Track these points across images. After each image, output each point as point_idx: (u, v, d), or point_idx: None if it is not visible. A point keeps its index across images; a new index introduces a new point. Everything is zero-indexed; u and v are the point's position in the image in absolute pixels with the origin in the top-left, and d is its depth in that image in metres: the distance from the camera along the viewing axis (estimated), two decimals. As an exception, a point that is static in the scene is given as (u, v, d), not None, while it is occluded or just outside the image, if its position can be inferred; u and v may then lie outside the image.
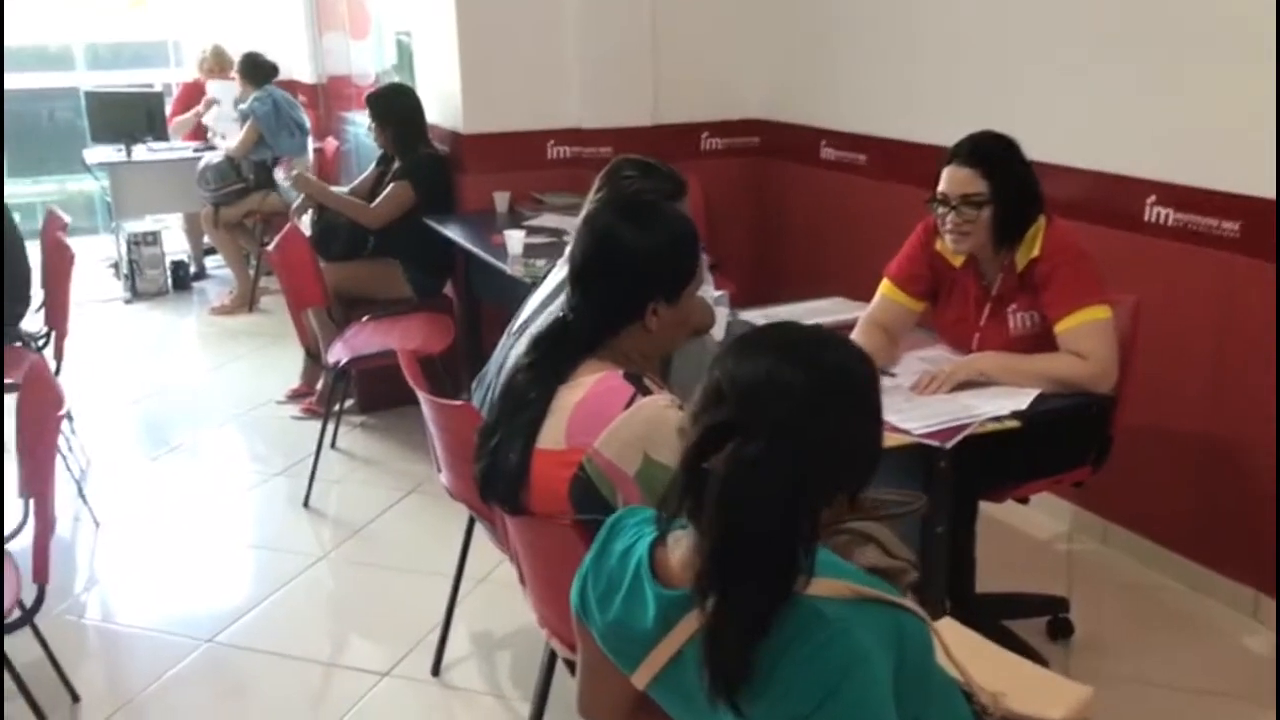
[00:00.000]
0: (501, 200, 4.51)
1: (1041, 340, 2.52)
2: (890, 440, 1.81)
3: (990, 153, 2.51)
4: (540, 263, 3.59)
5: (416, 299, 4.51)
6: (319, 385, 4.72)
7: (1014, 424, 2.27)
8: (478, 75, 4.50)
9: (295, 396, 4.76)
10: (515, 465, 1.84)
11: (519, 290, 3.71)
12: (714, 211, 4.64)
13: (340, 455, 4.20)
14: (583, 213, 2.38)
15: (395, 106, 4.53)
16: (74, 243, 4.12)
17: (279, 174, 6.19)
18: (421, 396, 2.39)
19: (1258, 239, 2.86)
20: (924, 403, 2.36)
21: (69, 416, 2.63)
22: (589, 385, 1.80)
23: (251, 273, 6.30)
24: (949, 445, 2.17)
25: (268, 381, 5.00)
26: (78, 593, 3.31)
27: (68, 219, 4.26)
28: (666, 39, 4.69)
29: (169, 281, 6.58)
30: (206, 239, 6.61)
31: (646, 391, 1.76)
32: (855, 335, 2.67)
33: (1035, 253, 2.51)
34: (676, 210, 2.08)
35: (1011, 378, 2.44)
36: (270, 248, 4.01)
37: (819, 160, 4.54)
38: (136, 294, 6.45)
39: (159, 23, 9.13)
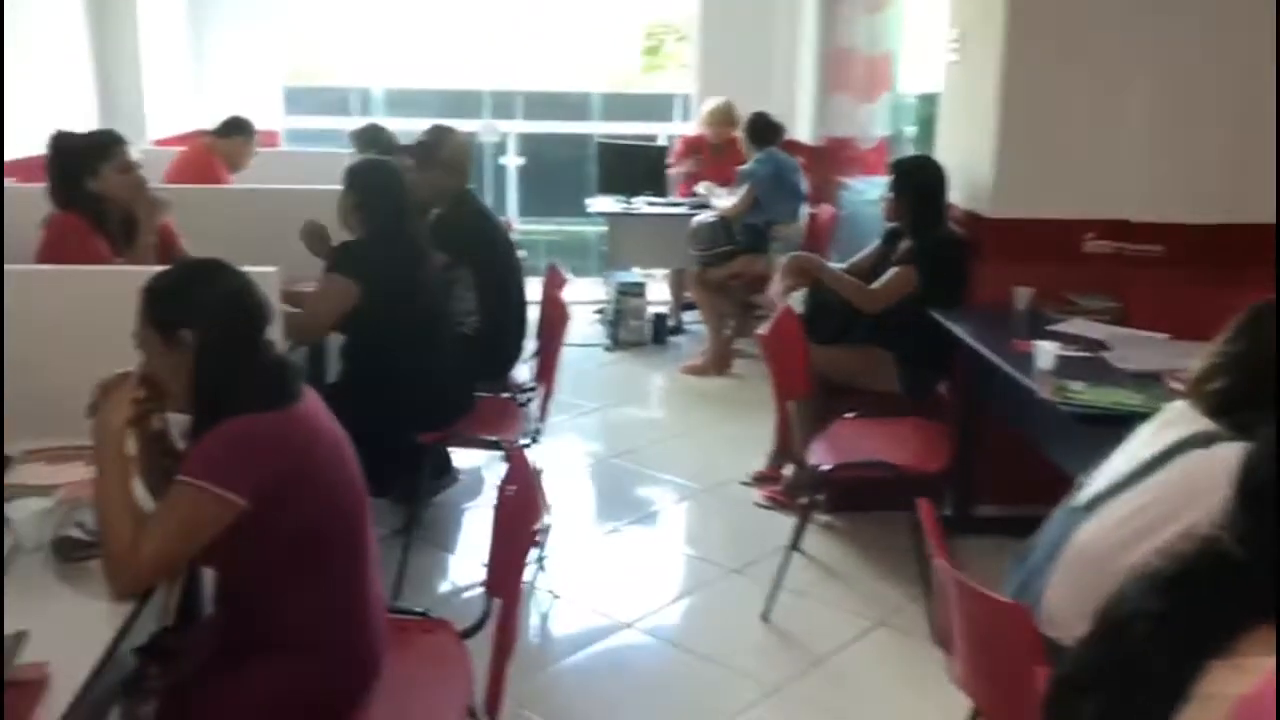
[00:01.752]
0: (1022, 297, 3.91)
1: None
2: None
3: None
4: (1078, 386, 2.97)
5: (906, 396, 4.03)
6: (784, 470, 4.37)
7: None
8: (1017, 151, 3.93)
9: (761, 480, 4.44)
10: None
11: (1048, 416, 3.12)
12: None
13: (804, 562, 3.79)
14: None
15: (919, 179, 4.08)
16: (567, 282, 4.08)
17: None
18: (946, 572, 1.89)
19: None
20: None
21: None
22: (1265, 674, 1.18)
23: (728, 334, 6.13)
24: None
25: (733, 456, 4.73)
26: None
27: (569, 276, 4.21)
28: (1244, 123, 3.87)
29: (649, 333, 6.58)
30: (687, 294, 6.56)
31: None
32: None
33: None
34: None
35: None
36: (762, 331, 3.69)
37: None
38: (618, 343, 6.50)
39: (671, 77, 9.43)
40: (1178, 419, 1.90)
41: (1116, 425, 2.84)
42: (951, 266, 4.03)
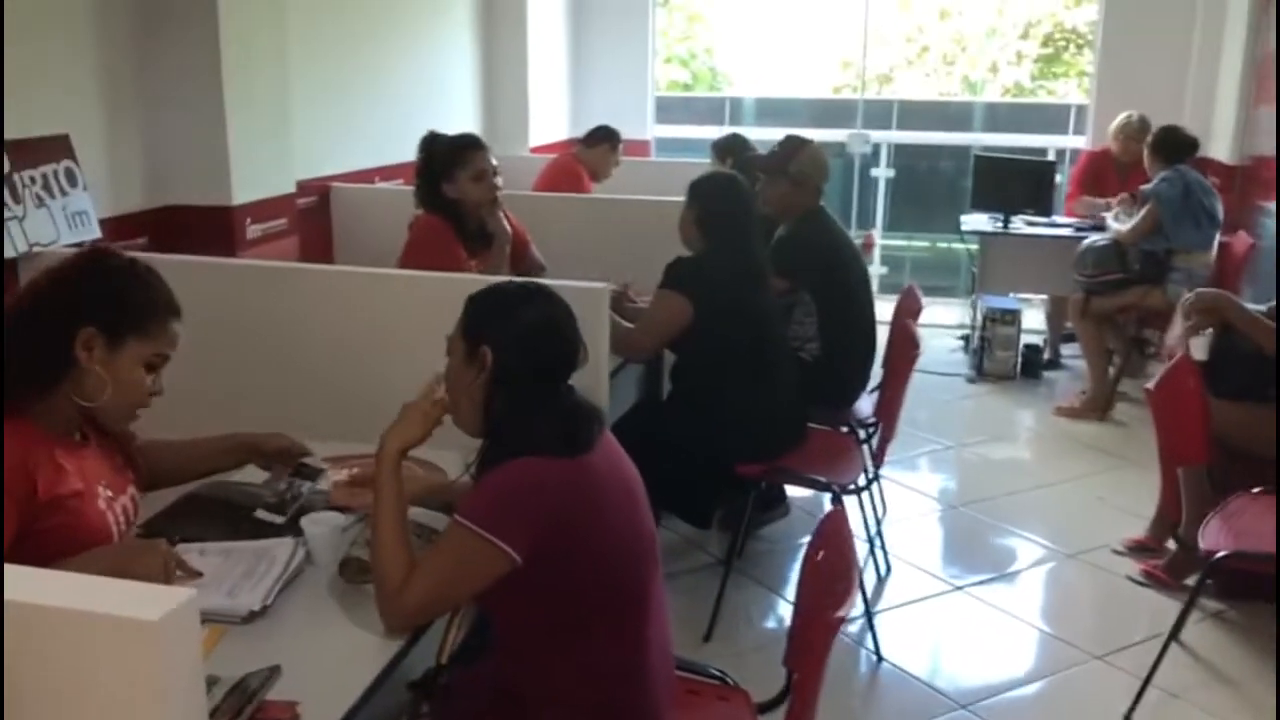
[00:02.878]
0: None
1: None
2: None
3: None
4: None
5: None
6: (1168, 542, 3.76)
7: None
8: None
9: (1136, 550, 3.84)
10: None
11: None
12: None
13: (1184, 657, 3.19)
14: None
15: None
16: (929, 304, 3.69)
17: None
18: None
19: None
20: None
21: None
22: None
23: (1113, 373, 5.46)
24: None
25: (1106, 518, 4.15)
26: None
27: (927, 299, 3.83)
28: None
29: (1018, 366, 5.99)
30: (1069, 324, 5.92)
31: None
32: None
33: None
34: None
35: None
36: (1151, 385, 3.14)
37: None
38: (981, 374, 5.97)
39: (1065, 87, 8.68)
40: None
41: None
42: None
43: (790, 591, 3.61)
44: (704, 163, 5.28)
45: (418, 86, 5.57)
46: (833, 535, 1.97)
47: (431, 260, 3.32)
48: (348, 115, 4.86)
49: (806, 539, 3.93)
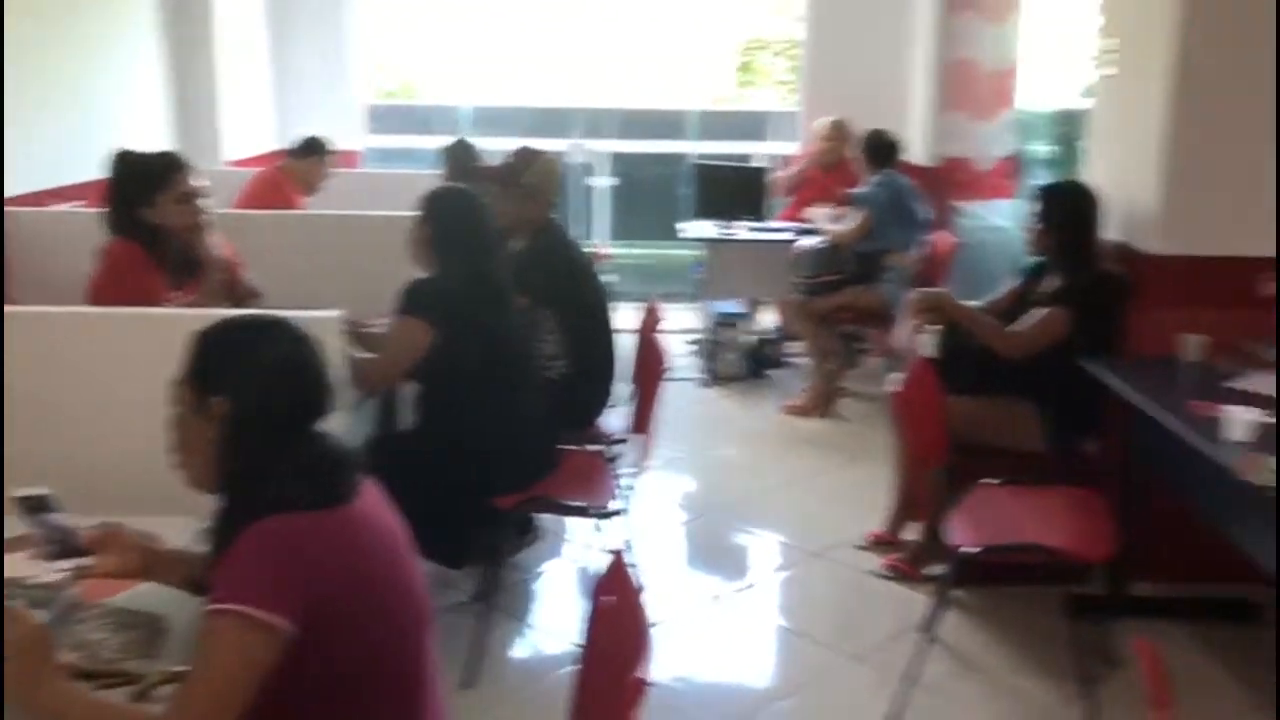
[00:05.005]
0: (1193, 347, 3.36)
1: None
2: None
3: None
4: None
5: (1050, 456, 3.52)
6: (902, 532, 3.89)
7: None
8: (1187, 179, 3.41)
9: (878, 544, 3.95)
10: None
11: (1236, 495, 2.60)
12: None
13: (935, 649, 3.28)
14: None
15: (1071, 207, 3.56)
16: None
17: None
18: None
19: None
20: None
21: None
22: None
23: (834, 370, 5.65)
24: None
25: (843, 512, 4.25)
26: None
27: (663, 314, 3.78)
28: None
29: (747, 368, 6.10)
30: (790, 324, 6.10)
31: None
32: None
33: None
34: None
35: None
36: (894, 386, 3.22)
37: None
38: (715, 378, 6.04)
39: (770, 94, 8.99)
40: None
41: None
42: (1107, 309, 3.51)
43: (551, 622, 3.47)
44: (428, 173, 5.04)
45: (96, 97, 5.01)
46: (618, 580, 1.83)
47: (125, 293, 2.97)
48: (14, 129, 4.27)
49: (555, 562, 3.86)
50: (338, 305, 2.90)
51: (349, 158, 6.67)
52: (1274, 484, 2.38)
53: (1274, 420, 2.72)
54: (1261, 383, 3.13)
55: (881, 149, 5.42)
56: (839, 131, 6.09)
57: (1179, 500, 3.18)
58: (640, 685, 1.52)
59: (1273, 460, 2.46)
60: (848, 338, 5.81)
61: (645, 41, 10.35)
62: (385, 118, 7.91)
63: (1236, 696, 3.04)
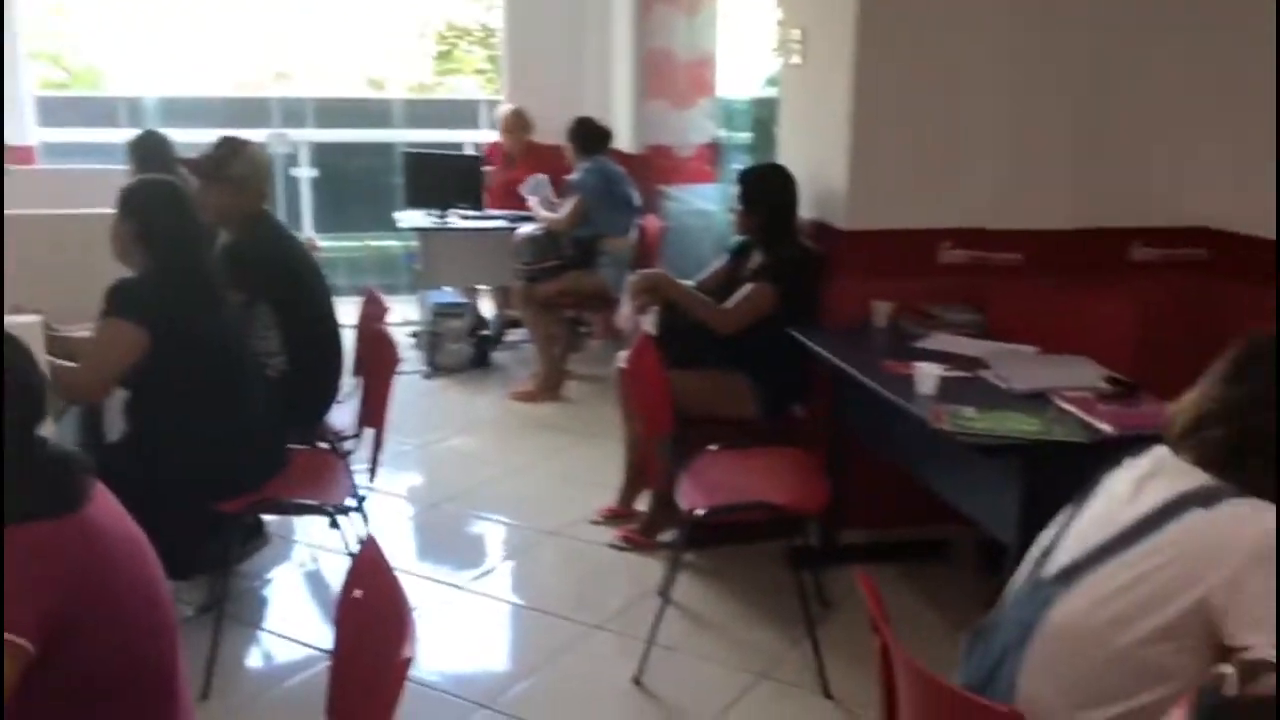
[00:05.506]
0: (882, 312, 3.70)
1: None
2: None
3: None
4: (969, 412, 2.74)
5: (764, 421, 3.76)
6: (634, 505, 4.05)
7: None
8: (869, 160, 3.72)
9: (612, 518, 4.08)
10: None
11: (929, 443, 2.89)
12: (1147, 332, 3.66)
13: (671, 610, 3.44)
14: None
15: (770, 190, 3.80)
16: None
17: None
18: (915, 673, 1.57)
19: None
20: None
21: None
22: None
23: (558, 354, 5.75)
24: None
25: (577, 492, 4.36)
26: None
27: (388, 305, 3.74)
28: (1094, 128, 3.80)
29: (470, 358, 6.10)
30: (511, 310, 6.16)
31: None
32: None
33: None
34: None
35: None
36: (622, 363, 3.33)
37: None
38: (437, 369, 6.00)
39: (473, 82, 8.98)
40: (1163, 470, 1.64)
41: (1019, 455, 2.66)
42: (808, 282, 3.78)
43: (286, 626, 3.36)
44: (116, 168, 4.71)
45: None
46: (369, 572, 1.82)
47: None
48: None
49: (286, 565, 3.74)
50: (30, 310, 2.70)
51: (23, 153, 6.14)
52: (960, 429, 2.66)
53: (953, 373, 3.05)
54: (944, 341, 3.48)
55: (590, 136, 5.56)
56: (519, 121, 6.22)
57: (881, 453, 3.49)
58: (404, 667, 1.53)
59: (957, 409, 2.76)
60: (570, 322, 5.93)
61: (337, 27, 10.09)
62: (60, 110, 7.30)
63: (936, 625, 3.37)
